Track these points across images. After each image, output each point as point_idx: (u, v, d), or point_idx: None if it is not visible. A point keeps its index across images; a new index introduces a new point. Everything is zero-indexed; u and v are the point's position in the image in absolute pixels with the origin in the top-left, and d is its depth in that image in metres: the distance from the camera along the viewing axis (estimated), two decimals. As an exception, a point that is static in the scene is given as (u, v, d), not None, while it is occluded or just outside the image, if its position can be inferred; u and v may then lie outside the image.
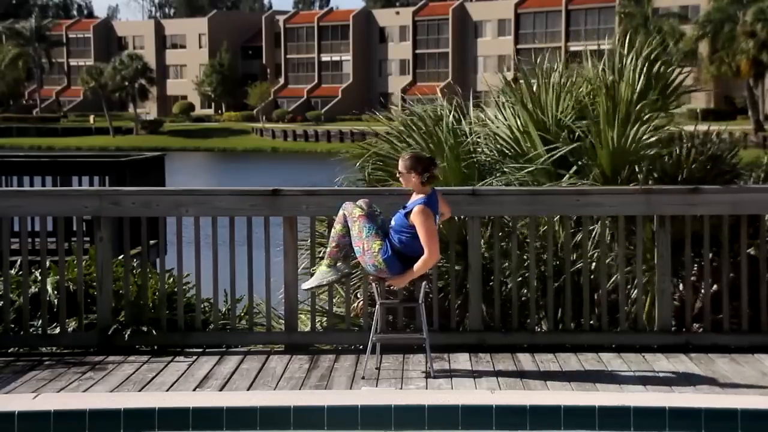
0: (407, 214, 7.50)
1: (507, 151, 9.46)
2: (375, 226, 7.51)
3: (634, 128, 8.86)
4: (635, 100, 9.10)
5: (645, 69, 9.29)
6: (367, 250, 7.47)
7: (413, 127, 9.73)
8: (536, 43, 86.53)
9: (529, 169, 9.18)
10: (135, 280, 8.85)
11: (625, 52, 9.46)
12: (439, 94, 10.19)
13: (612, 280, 8.80)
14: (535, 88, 9.52)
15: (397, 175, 7.71)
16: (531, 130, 9.32)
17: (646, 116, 9.10)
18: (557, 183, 9.19)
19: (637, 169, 9.18)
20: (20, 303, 8.75)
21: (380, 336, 7.80)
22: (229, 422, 6.61)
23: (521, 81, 9.77)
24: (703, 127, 9.78)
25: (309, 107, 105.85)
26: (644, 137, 8.86)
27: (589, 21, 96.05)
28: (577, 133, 9.28)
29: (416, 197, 7.58)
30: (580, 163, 9.11)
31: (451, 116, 9.80)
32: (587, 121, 9.31)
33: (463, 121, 9.94)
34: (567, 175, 9.13)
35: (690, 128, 9.61)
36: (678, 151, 9.25)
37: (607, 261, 8.68)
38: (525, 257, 8.81)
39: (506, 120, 9.62)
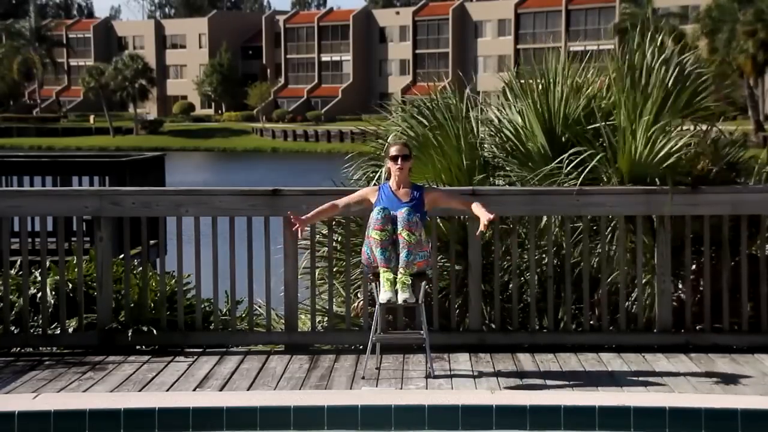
0: (418, 200, 7.65)
1: (513, 149, 9.42)
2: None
3: (662, 142, 8.72)
4: (657, 106, 8.99)
5: (663, 72, 9.21)
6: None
7: (420, 122, 9.68)
8: (536, 43, 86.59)
9: (545, 173, 9.06)
10: (137, 282, 8.84)
11: (650, 53, 9.32)
12: (439, 92, 10.11)
13: (611, 279, 8.79)
14: (541, 87, 9.46)
15: (397, 165, 7.71)
16: (536, 128, 9.28)
17: (669, 123, 9.00)
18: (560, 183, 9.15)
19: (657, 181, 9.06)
20: (20, 303, 8.75)
21: (380, 336, 7.79)
22: (229, 422, 6.62)
23: (525, 80, 9.71)
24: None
25: (309, 107, 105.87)
26: (671, 149, 8.71)
27: (589, 21, 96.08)
28: (583, 135, 9.20)
29: (409, 187, 7.76)
30: (605, 174, 8.98)
31: (462, 109, 9.75)
32: (601, 124, 9.19)
33: (470, 118, 9.89)
34: (573, 173, 9.05)
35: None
36: (690, 152, 9.17)
37: (607, 261, 8.68)
38: (525, 257, 8.81)
39: (510, 117, 9.56)
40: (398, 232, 7.46)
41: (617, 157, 8.87)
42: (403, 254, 7.48)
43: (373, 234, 7.48)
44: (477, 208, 7.62)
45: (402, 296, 7.44)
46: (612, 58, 9.55)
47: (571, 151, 8.99)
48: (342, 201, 7.90)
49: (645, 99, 9.04)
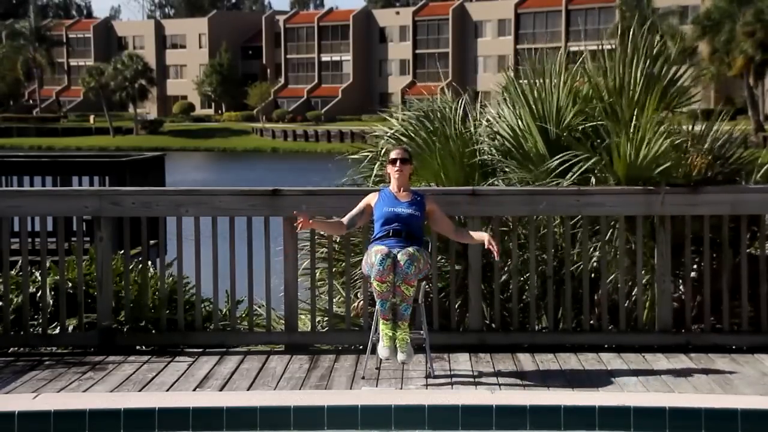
0: (419, 203, 7.67)
1: (511, 150, 9.44)
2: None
3: (657, 145, 8.73)
4: (643, 103, 9.02)
5: (647, 69, 9.25)
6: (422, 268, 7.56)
7: (419, 125, 9.70)
8: (536, 43, 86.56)
9: (542, 179, 9.07)
10: (135, 278, 8.84)
11: (629, 52, 9.40)
12: (439, 94, 10.15)
13: (612, 279, 8.79)
14: (537, 88, 9.48)
15: (396, 168, 7.70)
16: (533, 130, 9.30)
17: (657, 121, 9.01)
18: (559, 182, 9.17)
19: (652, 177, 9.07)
20: (20, 303, 8.74)
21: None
22: (229, 422, 6.61)
23: (523, 81, 9.74)
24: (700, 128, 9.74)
25: (309, 107, 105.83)
26: (662, 149, 8.74)
27: (589, 21, 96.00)
28: (578, 135, 9.24)
29: (410, 190, 7.77)
30: (593, 169, 9.00)
31: (456, 112, 9.78)
32: (593, 123, 9.21)
33: (468, 120, 9.92)
34: (570, 175, 9.07)
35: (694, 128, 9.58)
36: (684, 152, 9.20)
37: (607, 261, 8.68)
38: (525, 257, 8.81)
39: (508, 119, 9.59)
40: (398, 284, 7.43)
41: (613, 161, 8.87)
42: (402, 308, 7.49)
43: (374, 284, 7.46)
44: (476, 235, 7.75)
45: (400, 357, 7.52)
46: (601, 59, 9.59)
47: (565, 154, 9.00)
48: (346, 219, 7.87)
49: (634, 97, 9.09)
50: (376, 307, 7.64)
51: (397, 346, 7.49)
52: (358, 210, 7.85)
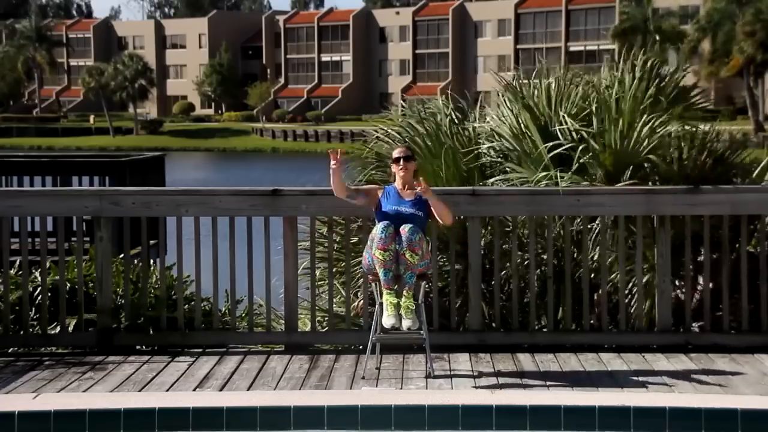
0: (423, 202, 7.61)
1: (509, 151, 9.46)
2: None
3: (637, 130, 8.83)
4: (637, 103, 9.08)
5: (645, 73, 9.30)
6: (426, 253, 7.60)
7: (415, 128, 9.73)
8: (536, 43, 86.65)
9: (538, 177, 9.09)
10: (132, 278, 8.84)
11: (630, 59, 9.47)
12: (439, 95, 10.17)
13: (612, 279, 8.80)
14: (537, 88, 9.51)
15: (400, 165, 7.69)
16: (532, 130, 9.31)
17: (650, 119, 9.07)
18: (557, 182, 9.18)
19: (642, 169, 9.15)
20: (20, 303, 8.74)
21: (380, 336, 7.79)
22: (229, 422, 6.62)
23: (522, 81, 9.76)
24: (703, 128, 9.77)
25: (309, 107, 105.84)
26: (647, 139, 8.81)
27: (589, 21, 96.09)
28: (579, 135, 9.26)
29: (414, 188, 7.67)
30: (582, 161, 9.08)
31: (450, 116, 9.80)
32: (589, 122, 9.27)
33: (466, 121, 9.95)
34: (568, 174, 9.08)
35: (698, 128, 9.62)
36: (679, 151, 9.25)
37: (607, 261, 8.68)
38: (525, 257, 8.81)
39: (507, 120, 9.61)
40: (401, 251, 7.45)
41: (604, 149, 8.93)
42: (406, 276, 7.50)
43: (376, 254, 7.48)
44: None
45: (406, 323, 7.49)
46: (606, 69, 9.65)
47: (551, 144, 9.04)
48: (351, 186, 7.94)
49: (634, 100, 9.14)
50: (376, 307, 7.65)
51: (402, 313, 7.47)
52: (363, 190, 7.87)
